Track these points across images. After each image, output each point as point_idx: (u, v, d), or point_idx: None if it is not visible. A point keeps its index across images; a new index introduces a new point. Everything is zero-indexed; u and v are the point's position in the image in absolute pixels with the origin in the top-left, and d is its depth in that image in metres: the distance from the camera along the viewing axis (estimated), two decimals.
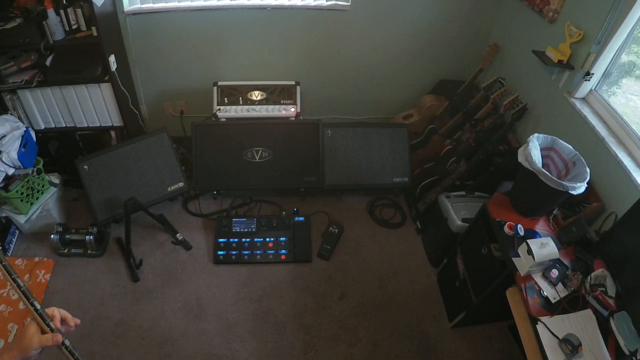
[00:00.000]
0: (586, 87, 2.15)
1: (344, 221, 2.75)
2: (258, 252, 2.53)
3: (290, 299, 2.36)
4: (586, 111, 2.10)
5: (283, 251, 2.54)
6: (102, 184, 2.54)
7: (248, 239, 2.57)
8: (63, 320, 0.89)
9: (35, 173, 2.40)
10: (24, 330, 0.84)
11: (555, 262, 1.63)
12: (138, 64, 2.83)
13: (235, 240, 2.56)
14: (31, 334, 0.82)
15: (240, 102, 2.82)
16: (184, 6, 2.62)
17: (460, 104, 2.85)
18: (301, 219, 2.68)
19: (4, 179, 2.25)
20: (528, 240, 1.60)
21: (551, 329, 1.48)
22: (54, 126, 2.65)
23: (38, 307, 0.85)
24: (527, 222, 1.83)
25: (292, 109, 2.85)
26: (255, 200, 2.88)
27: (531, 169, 1.70)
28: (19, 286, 0.84)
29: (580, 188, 1.65)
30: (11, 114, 2.44)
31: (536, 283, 1.62)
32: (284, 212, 2.78)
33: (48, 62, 2.40)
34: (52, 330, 0.85)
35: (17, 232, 2.56)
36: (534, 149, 1.77)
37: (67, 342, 0.90)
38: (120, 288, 2.35)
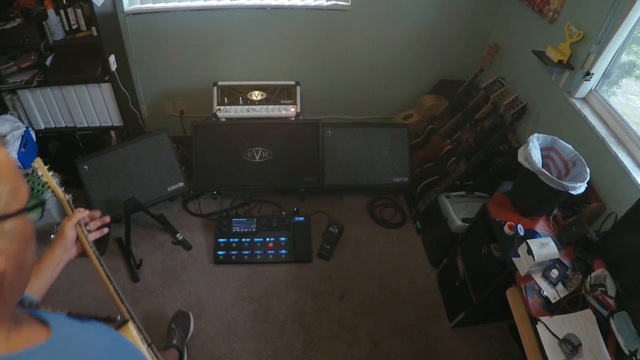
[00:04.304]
0: (586, 87, 2.15)
1: (344, 221, 2.75)
2: (258, 252, 2.53)
3: (290, 299, 2.36)
4: (586, 111, 2.10)
5: (283, 251, 2.54)
6: (102, 184, 2.54)
7: (248, 239, 2.57)
8: (92, 215, 1.10)
9: (35, 173, 2.39)
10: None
11: (555, 262, 1.63)
12: (138, 64, 2.83)
13: (235, 240, 2.56)
14: (65, 221, 1.06)
15: (240, 102, 2.82)
16: (184, 6, 2.62)
17: (460, 104, 2.85)
18: (301, 219, 2.68)
19: None
20: (528, 240, 1.60)
21: (551, 329, 1.48)
22: (54, 126, 2.65)
23: (67, 197, 1.07)
24: (527, 222, 1.83)
25: (292, 109, 2.85)
26: (255, 200, 2.88)
27: (531, 169, 1.70)
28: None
29: (580, 188, 1.65)
30: (11, 114, 2.44)
31: (536, 283, 1.62)
32: (283, 212, 2.78)
33: (48, 62, 2.40)
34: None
35: None
36: (534, 149, 1.77)
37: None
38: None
